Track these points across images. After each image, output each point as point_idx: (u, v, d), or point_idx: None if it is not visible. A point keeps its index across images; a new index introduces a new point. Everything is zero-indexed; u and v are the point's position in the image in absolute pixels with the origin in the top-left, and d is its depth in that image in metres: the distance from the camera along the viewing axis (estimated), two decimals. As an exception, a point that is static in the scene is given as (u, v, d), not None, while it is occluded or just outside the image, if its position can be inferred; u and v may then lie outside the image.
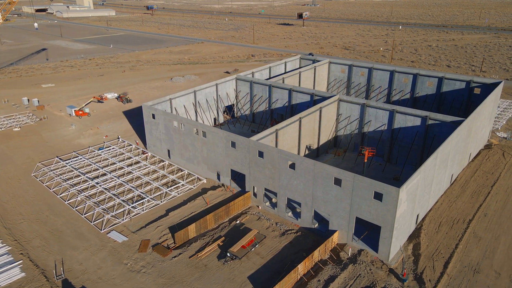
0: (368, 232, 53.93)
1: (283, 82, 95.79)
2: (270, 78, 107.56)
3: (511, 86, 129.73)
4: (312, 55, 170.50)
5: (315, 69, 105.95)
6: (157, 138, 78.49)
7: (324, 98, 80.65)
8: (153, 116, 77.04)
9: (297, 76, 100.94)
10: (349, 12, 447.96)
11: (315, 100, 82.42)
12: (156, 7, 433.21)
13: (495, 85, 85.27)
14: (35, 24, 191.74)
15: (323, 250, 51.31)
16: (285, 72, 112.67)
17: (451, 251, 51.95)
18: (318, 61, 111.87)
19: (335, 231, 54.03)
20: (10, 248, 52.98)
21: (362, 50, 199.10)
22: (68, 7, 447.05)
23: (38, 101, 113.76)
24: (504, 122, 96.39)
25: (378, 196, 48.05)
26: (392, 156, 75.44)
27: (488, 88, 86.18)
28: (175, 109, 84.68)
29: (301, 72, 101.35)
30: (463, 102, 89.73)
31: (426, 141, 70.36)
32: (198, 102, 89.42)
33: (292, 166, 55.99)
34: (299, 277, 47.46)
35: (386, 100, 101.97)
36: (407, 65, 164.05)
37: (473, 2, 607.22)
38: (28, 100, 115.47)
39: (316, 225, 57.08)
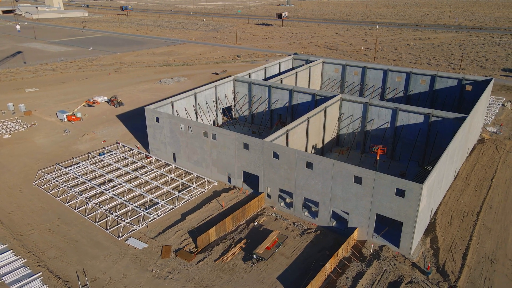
0: (384, 228, 55.25)
1: (281, 82, 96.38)
2: (265, 78, 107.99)
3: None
4: (297, 55, 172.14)
5: (310, 69, 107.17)
6: (161, 141, 77.33)
7: (326, 98, 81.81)
8: (157, 120, 75.86)
9: (294, 77, 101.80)
10: (324, 12, 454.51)
11: (316, 100, 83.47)
12: (131, 8, 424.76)
13: (485, 82, 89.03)
14: (17, 27, 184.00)
15: (346, 248, 52.25)
16: (280, 73, 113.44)
17: (467, 243, 54.05)
18: (312, 61, 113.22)
19: (354, 228, 55.05)
20: (25, 260, 51.02)
21: (344, 50, 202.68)
22: (37, 7, 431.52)
23: (25, 106, 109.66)
24: (493, 117, 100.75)
25: (400, 193, 49.38)
26: (395, 153, 77.45)
27: (479, 85, 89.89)
28: (177, 112, 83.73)
29: (297, 72, 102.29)
30: (455, 99, 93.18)
31: (429, 137, 72.67)
32: (198, 104, 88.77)
33: (310, 166, 56.61)
34: (326, 275, 48.18)
35: (380, 98, 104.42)
36: (389, 64, 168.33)
37: (441, 1, 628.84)
38: (13, 105, 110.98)
39: (334, 223, 57.97)
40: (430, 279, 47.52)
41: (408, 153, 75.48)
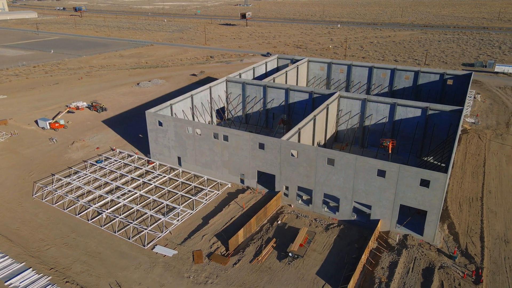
0: (406, 218, 57.75)
1: (273, 81, 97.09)
2: (254, 78, 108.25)
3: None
4: (270, 55, 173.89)
5: (297, 68, 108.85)
6: (165, 145, 75.38)
7: (324, 96, 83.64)
8: (160, 123, 73.88)
9: (284, 76, 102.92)
10: (283, 11, 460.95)
11: (314, 98, 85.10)
12: (84, 9, 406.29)
13: (465, 76, 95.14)
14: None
15: (373, 239, 54.07)
16: (267, 72, 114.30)
17: (480, 227, 57.79)
18: (297, 60, 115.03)
19: (377, 220, 57.03)
20: (50, 277, 47.99)
21: (314, 48, 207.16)
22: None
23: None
24: (469, 109, 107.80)
25: (424, 183, 51.88)
26: (395, 146, 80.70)
27: (459, 79, 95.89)
28: (175, 114, 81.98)
29: (287, 71, 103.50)
30: (438, 92, 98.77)
31: (427, 130, 76.56)
32: (195, 106, 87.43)
33: (331, 162, 57.85)
34: (362, 266, 49.64)
35: (366, 94, 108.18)
36: (360, 61, 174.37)
37: (389, 1, 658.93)
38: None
39: (355, 216, 59.65)
40: (457, 263, 50.40)
41: (407, 145, 79.06)
